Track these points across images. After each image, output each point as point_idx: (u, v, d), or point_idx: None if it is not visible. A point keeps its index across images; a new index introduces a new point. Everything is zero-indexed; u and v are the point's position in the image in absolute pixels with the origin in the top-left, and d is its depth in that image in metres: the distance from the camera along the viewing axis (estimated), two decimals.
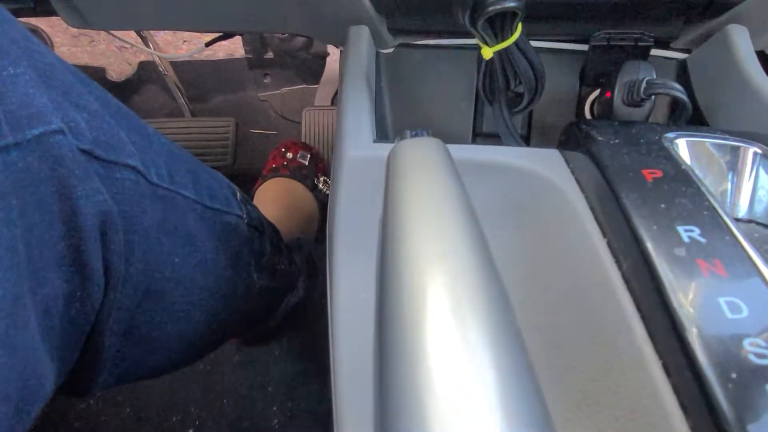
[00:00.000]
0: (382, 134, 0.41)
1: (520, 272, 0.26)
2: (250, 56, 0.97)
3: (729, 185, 0.29)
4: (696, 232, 0.22)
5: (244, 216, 0.47)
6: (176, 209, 0.36)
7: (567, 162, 0.29)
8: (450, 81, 0.46)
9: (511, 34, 0.36)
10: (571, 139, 0.31)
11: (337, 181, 0.31)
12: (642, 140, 0.28)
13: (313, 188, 0.81)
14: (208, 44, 0.75)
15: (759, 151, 0.28)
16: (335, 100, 0.96)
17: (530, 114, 0.46)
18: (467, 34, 0.36)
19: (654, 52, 0.43)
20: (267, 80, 0.99)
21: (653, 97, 0.36)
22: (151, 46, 0.90)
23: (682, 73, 0.43)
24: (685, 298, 0.20)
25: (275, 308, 0.66)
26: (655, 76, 0.37)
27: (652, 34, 0.41)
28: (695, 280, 0.20)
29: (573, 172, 0.29)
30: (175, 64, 1.00)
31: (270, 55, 0.97)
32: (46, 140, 0.25)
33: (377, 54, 0.45)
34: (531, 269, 0.27)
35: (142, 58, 1.05)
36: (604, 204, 0.25)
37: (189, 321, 0.40)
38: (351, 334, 0.25)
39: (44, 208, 0.25)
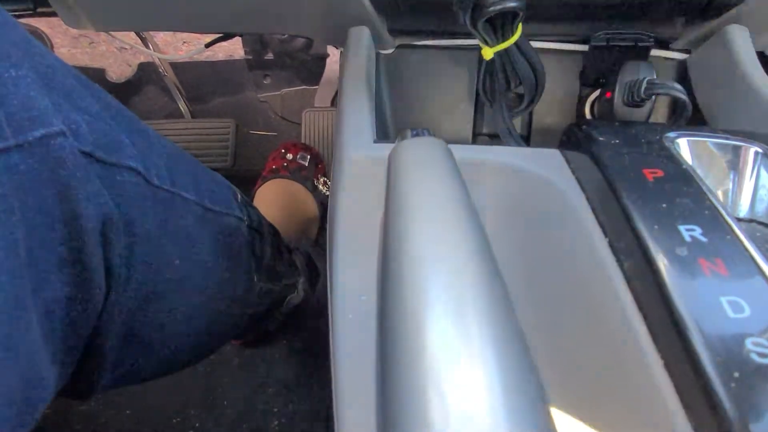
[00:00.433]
0: (382, 135, 0.41)
1: (521, 272, 0.26)
2: (250, 57, 0.97)
3: (730, 185, 0.29)
4: (697, 232, 0.22)
5: (245, 218, 0.47)
6: (177, 211, 0.36)
7: (568, 162, 0.29)
8: (450, 81, 0.46)
9: (512, 35, 0.36)
10: (572, 139, 0.31)
11: (338, 181, 0.31)
12: (643, 140, 0.28)
13: (314, 189, 0.81)
14: (207, 45, 0.75)
15: (760, 150, 0.28)
16: (335, 101, 0.96)
17: (530, 114, 0.46)
18: (467, 35, 0.36)
19: (654, 52, 0.43)
20: (267, 81, 0.99)
21: (654, 97, 0.36)
22: (151, 48, 0.90)
23: (683, 73, 0.44)
24: (687, 297, 0.20)
25: (276, 310, 0.66)
26: (655, 77, 0.37)
27: (652, 35, 0.41)
28: (697, 280, 0.20)
29: (574, 173, 0.29)
30: (175, 65, 1.00)
31: (270, 56, 0.97)
32: (48, 142, 0.25)
33: (377, 55, 0.45)
34: (532, 269, 0.27)
35: (142, 59, 1.05)
36: (605, 204, 0.25)
37: (190, 323, 0.40)
38: (352, 335, 0.25)
39: (45, 211, 0.25)
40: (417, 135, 0.24)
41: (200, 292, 0.40)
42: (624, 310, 0.22)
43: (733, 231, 0.22)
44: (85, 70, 1.05)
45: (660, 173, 0.25)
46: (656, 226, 0.22)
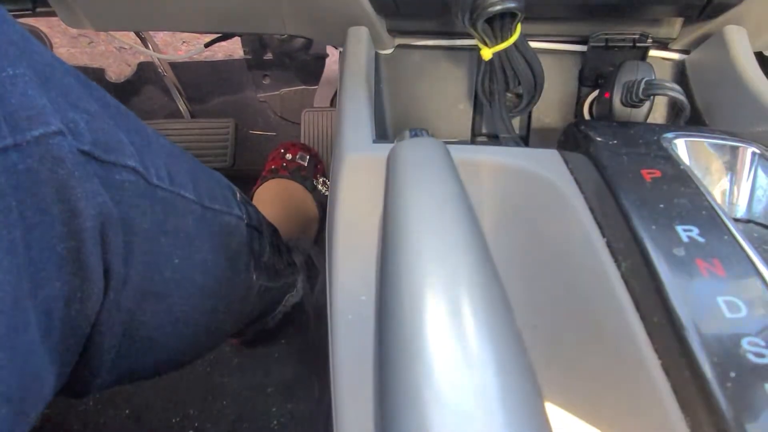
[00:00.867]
0: (381, 135, 0.41)
1: (519, 273, 0.26)
2: (249, 57, 0.97)
3: (727, 185, 0.29)
4: (695, 232, 0.22)
5: (244, 216, 0.47)
6: (176, 210, 0.36)
7: (566, 162, 0.29)
8: (449, 82, 0.46)
9: (511, 35, 0.36)
10: (570, 139, 0.31)
11: (337, 181, 0.31)
12: (641, 140, 0.28)
13: (313, 189, 0.81)
14: (207, 45, 0.75)
15: (757, 151, 0.28)
16: (334, 101, 0.96)
17: (529, 115, 0.46)
18: (466, 35, 0.36)
19: (652, 52, 0.43)
20: (266, 81, 0.99)
21: (652, 97, 0.36)
22: (150, 47, 0.90)
23: (681, 73, 0.44)
24: (684, 297, 0.20)
25: (274, 308, 0.66)
26: (653, 77, 0.37)
27: (650, 35, 0.41)
28: (694, 280, 0.20)
29: (572, 173, 0.29)
30: (174, 65, 1.00)
31: (269, 56, 0.97)
32: (46, 141, 0.25)
33: (376, 55, 0.45)
34: (530, 270, 0.27)
35: (141, 59, 1.05)
36: (603, 204, 0.25)
37: (188, 321, 0.40)
38: (350, 335, 0.25)
39: (44, 210, 0.25)
40: (415, 135, 0.24)
41: (199, 291, 0.40)
42: (621, 310, 0.22)
43: (730, 231, 0.22)
44: (85, 70, 1.05)
45: (658, 173, 0.25)
46: (654, 227, 0.22)
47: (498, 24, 0.35)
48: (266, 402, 0.69)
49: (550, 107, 0.46)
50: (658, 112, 0.43)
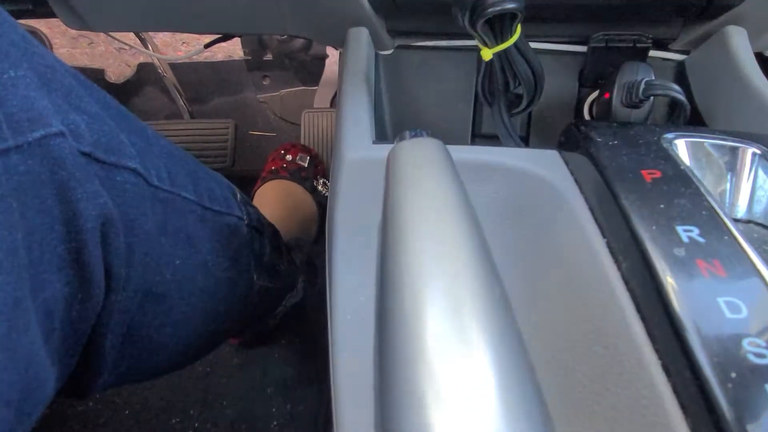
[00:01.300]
0: (381, 135, 0.42)
1: (519, 273, 0.26)
2: (249, 58, 0.97)
3: (728, 185, 0.29)
4: (695, 233, 0.22)
5: (244, 217, 0.47)
6: (176, 211, 0.36)
7: (566, 163, 0.29)
8: (449, 82, 0.46)
9: (511, 36, 0.36)
10: (570, 140, 0.31)
11: (337, 182, 0.31)
12: (641, 141, 0.28)
13: (313, 190, 0.81)
14: (207, 46, 0.75)
15: (758, 151, 0.28)
16: (334, 101, 0.96)
17: (529, 115, 0.46)
18: (466, 36, 0.36)
19: (653, 53, 0.43)
20: (266, 82, 0.99)
21: (652, 98, 0.36)
22: (150, 48, 0.90)
23: (681, 74, 0.44)
24: (685, 298, 0.20)
25: (275, 309, 0.66)
26: (653, 78, 0.37)
27: (650, 36, 0.41)
28: (694, 280, 0.20)
29: (572, 173, 0.29)
30: (174, 66, 1.00)
31: (269, 56, 0.97)
32: (47, 143, 0.25)
33: (376, 55, 0.45)
34: (530, 270, 0.27)
35: (141, 59, 1.05)
36: (604, 205, 0.25)
37: (189, 322, 0.40)
38: (350, 335, 0.25)
39: (45, 211, 0.25)
40: (415, 136, 0.24)
41: (200, 291, 0.40)
42: (622, 311, 0.22)
43: (730, 232, 0.22)
44: (85, 71, 1.05)
45: (658, 174, 0.25)
46: (654, 227, 0.22)
47: (498, 24, 0.35)
48: (266, 402, 0.69)
49: (550, 108, 0.46)
50: (658, 112, 0.43)
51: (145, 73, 1.04)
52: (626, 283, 0.23)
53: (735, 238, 0.22)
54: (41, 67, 0.27)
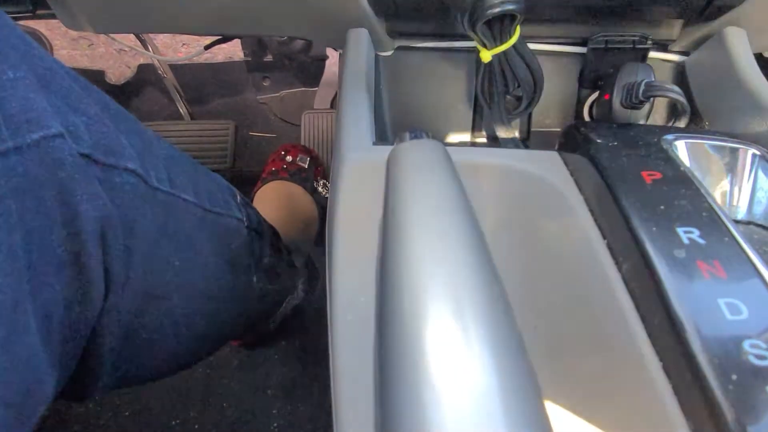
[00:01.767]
0: (381, 137, 0.41)
1: (520, 274, 0.26)
2: (249, 59, 0.97)
3: (728, 187, 0.29)
4: (695, 234, 0.22)
5: (244, 219, 0.47)
6: (176, 213, 0.36)
7: (566, 164, 0.29)
8: (449, 83, 0.46)
9: (510, 37, 0.36)
10: (570, 141, 0.31)
11: (337, 183, 0.31)
12: (641, 142, 0.28)
13: (313, 191, 0.81)
14: (207, 47, 0.75)
15: (757, 152, 0.28)
16: (334, 102, 0.96)
17: (529, 116, 0.46)
18: (466, 37, 0.36)
19: (652, 54, 0.43)
20: (266, 83, 0.99)
21: (652, 99, 0.36)
22: (150, 49, 0.90)
23: (681, 75, 0.44)
24: (685, 299, 0.20)
25: (275, 311, 0.66)
26: (653, 79, 0.37)
27: (650, 37, 0.41)
28: (695, 282, 0.20)
29: (572, 174, 0.29)
30: (174, 67, 1.00)
31: (269, 58, 0.97)
32: (46, 144, 0.25)
33: (376, 57, 0.45)
34: (531, 271, 0.27)
35: (141, 61, 1.06)
36: (604, 206, 0.25)
37: (189, 324, 0.40)
38: (351, 337, 0.25)
39: (44, 213, 0.25)
40: (415, 137, 0.24)
41: (200, 294, 0.40)
42: (622, 312, 0.22)
43: (730, 233, 0.22)
44: (84, 72, 1.05)
45: (658, 175, 0.25)
46: (654, 228, 0.22)
47: (497, 26, 0.35)
48: (266, 404, 0.69)
49: (550, 109, 0.46)
50: (658, 113, 0.43)
51: (145, 74, 1.04)
52: (626, 284, 0.23)
53: (735, 240, 0.22)
54: (40, 69, 0.27)
